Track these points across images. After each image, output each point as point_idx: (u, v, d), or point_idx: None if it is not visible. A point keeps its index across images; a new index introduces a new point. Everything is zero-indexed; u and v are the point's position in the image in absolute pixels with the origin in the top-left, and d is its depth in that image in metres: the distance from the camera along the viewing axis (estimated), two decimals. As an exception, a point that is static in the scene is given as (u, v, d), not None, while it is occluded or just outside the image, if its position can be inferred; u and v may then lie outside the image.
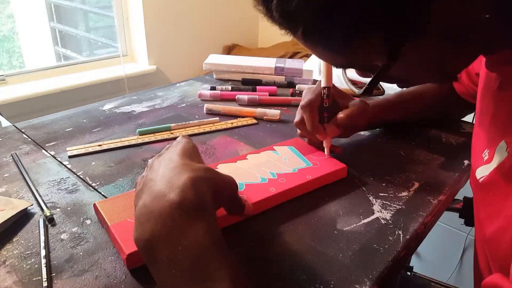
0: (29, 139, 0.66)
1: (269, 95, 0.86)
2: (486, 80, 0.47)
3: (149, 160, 0.40)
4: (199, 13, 2.31)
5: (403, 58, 0.35)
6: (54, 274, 0.39)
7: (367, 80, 0.42)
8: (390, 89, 0.68)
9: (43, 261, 0.40)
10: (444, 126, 0.75)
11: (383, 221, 0.48)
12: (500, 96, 0.43)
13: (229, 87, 0.89)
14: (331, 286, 0.39)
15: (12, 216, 0.45)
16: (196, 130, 0.70)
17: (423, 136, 0.71)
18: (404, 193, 0.54)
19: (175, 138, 0.67)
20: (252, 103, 0.82)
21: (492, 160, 0.40)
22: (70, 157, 0.61)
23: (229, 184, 0.39)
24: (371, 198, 0.53)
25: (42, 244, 0.42)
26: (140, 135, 0.68)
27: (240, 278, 0.31)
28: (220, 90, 0.87)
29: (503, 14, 0.33)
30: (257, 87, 0.90)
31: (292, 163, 0.56)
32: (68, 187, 0.53)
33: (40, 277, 0.39)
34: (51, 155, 0.61)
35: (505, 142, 0.39)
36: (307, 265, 0.41)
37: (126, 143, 0.65)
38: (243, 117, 0.76)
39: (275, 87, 0.90)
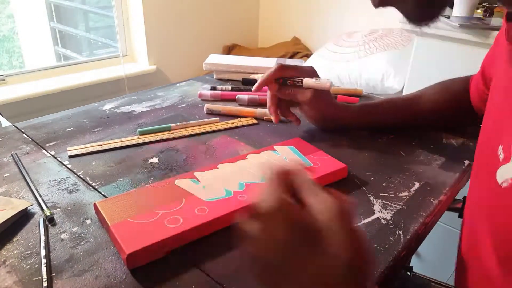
0: (29, 139, 0.66)
1: (269, 95, 0.86)
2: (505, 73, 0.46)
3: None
4: (199, 13, 2.31)
5: None
6: (54, 274, 0.39)
7: None
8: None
9: (43, 261, 0.40)
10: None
11: (383, 221, 0.48)
12: None
13: (229, 87, 0.89)
14: (332, 286, 0.39)
15: (12, 216, 0.45)
16: (196, 130, 0.70)
17: (423, 136, 0.71)
18: (405, 193, 0.54)
19: (175, 138, 0.67)
20: (252, 103, 0.82)
21: None
22: (70, 157, 0.61)
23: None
24: (371, 198, 0.53)
25: (42, 244, 0.42)
26: (140, 135, 0.68)
27: None
28: (220, 90, 0.87)
29: None
30: (257, 87, 0.90)
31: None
32: (68, 187, 0.53)
33: (40, 277, 0.39)
34: (51, 155, 0.61)
35: None
36: (307, 265, 0.41)
37: (126, 143, 0.65)
38: (243, 117, 0.76)
39: (275, 87, 0.90)
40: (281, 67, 0.64)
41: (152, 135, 0.68)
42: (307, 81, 0.63)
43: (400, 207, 0.51)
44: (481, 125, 0.51)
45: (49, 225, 0.46)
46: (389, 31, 1.84)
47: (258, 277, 0.31)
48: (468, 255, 0.49)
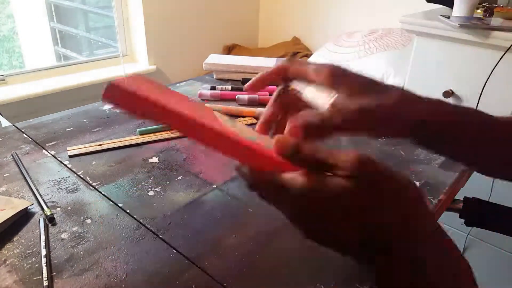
0: (29, 139, 0.66)
1: (269, 95, 0.86)
2: None
3: None
4: (199, 13, 2.31)
5: None
6: (54, 274, 0.39)
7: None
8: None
9: (44, 260, 0.40)
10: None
11: (383, 221, 0.48)
12: None
13: (229, 87, 0.89)
14: (332, 285, 0.39)
15: (12, 216, 0.46)
16: (196, 129, 0.70)
17: (423, 136, 0.71)
18: (404, 193, 0.54)
19: (175, 138, 0.67)
20: (252, 103, 0.82)
21: None
22: (70, 156, 0.61)
23: None
24: (371, 197, 0.53)
25: (43, 244, 0.42)
26: (140, 134, 0.68)
27: None
28: (220, 90, 0.87)
29: None
30: (257, 87, 0.90)
31: None
32: (68, 187, 0.53)
33: (40, 277, 0.39)
34: (51, 154, 0.61)
35: None
36: (307, 265, 0.41)
37: (126, 143, 0.65)
38: (243, 117, 0.76)
39: (275, 87, 0.90)
40: (289, 62, 0.43)
41: (152, 134, 0.68)
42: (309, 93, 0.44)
43: (400, 206, 0.51)
44: None
45: (50, 225, 0.46)
46: (389, 31, 1.84)
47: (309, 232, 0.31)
48: None
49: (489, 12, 1.35)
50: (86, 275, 0.39)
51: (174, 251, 0.43)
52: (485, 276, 1.45)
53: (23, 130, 0.69)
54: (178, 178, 0.56)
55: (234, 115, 0.77)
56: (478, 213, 0.68)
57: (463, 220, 0.79)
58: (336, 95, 0.40)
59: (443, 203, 0.53)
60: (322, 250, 0.43)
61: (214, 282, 0.39)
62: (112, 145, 0.64)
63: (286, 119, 0.43)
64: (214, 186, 0.55)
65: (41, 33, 2.54)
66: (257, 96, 0.83)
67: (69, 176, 0.56)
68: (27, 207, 0.48)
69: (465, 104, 1.33)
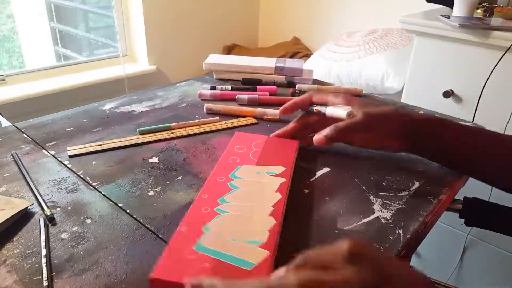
0: (29, 139, 0.66)
1: (269, 95, 0.86)
2: None
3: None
4: (199, 13, 2.31)
5: None
6: (54, 274, 0.39)
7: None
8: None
9: (44, 260, 0.40)
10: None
11: (383, 221, 0.48)
12: None
13: (229, 87, 0.89)
14: (332, 285, 0.39)
15: (12, 216, 0.46)
16: (196, 129, 0.70)
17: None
18: (405, 193, 0.54)
19: (175, 138, 0.67)
20: (252, 103, 0.82)
21: None
22: (70, 156, 0.61)
23: None
24: (371, 197, 0.53)
25: (43, 244, 0.42)
26: (140, 134, 0.68)
27: None
28: (220, 90, 0.87)
29: None
30: (257, 86, 0.90)
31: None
32: (68, 187, 0.53)
33: (40, 277, 0.39)
34: (51, 154, 0.61)
35: None
36: (307, 264, 0.41)
37: (126, 143, 0.65)
38: (243, 116, 0.76)
39: (275, 87, 0.90)
40: (313, 93, 0.61)
41: (152, 134, 0.68)
42: (329, 110, 0.60)
43: (400, 206, 0.51)
44: None
45: (49, 225, 0.46)
46: (389, 31, 1.84)
47: None
48: None
49: (489, 12, 1.35)
50: (86, 275, 0.39)
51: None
52: (485, 276, 1.45)
53: (23, 130, 0.69)
54: (178, 178, 0.56)
55: (234, 115, 0.77)
56: (478, 213, 0.68)
57: (463, 220, 0.79)
58: (351, 108, 0.57)
59: (443, 202, 0.53)
60: (322, 250, 0.43)
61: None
62: (112, 145, 0.64)
63: (305, 133, 0.63)
64: (214, 186, 0.55)
65: (41, 33, 2.54)
66: (257, 96, 0.83)
67: (69, 176, 0.56)
68: (27, 207, 0.48)
69: (465, 104, 1.33)
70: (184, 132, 0.69)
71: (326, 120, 0.59)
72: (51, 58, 2.59)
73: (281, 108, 0.63)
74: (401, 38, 1.78)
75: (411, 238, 0.46)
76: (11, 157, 0.60)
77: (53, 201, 0.50)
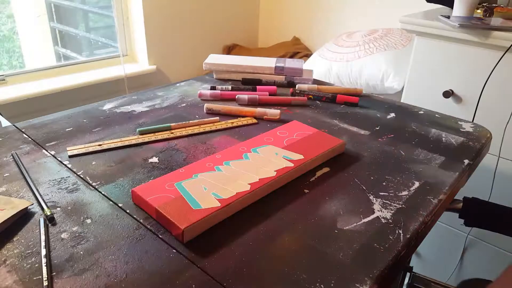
0: (29, 138, 0.66)
1: (269, 95, 0.86)
2: None
3: None
4: (199, 13, 2.31)
5: None
6: (54, 273, 0.39)
7: None
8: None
9: (44, 260, 0.40)
10: (444, 126, 0.75)
11: (383, 220, 0.48)
12: None
13: (229, 87, 0.89)
14: (332, 285, 0.39)
15: (12, 216, 0.46)
16: (196, 129, 0.70)
17: (423, 136, 0.71)
18: (404, 193, 0.54)
19: (175, 138, 0.67)
20: (252, 103, 0.82)
21: None
22: (70, 156, 0.61)
23: None
24: (371, 197, 0.53)
25: (43, 244, 0.42)
26: (140, 134, 0.68)
27: None
28: (220, 90, 0.87)
29: None
30: (257, 86, 0.90)
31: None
32: (68, 187, 0.53)
33: (40, 276, 0.39)
34: (51, 154, 0.61)
35: None
36: (307, 264, 0.41)
37: (126, 143, 0.65)
38: (243, 116, 0.76)
39: (275, 87, 0.90)
40: None
41: (152, 134, 0.68)
42: None
43: (400, 206, 0.51)
44: None
45: (49, 225, 0.46)
46: (389, 31, 1.84)
47: None
48: None
49: (489, 12, 1.35)
50: (86, 275, 0.39)
51: (174, 251, 0.43)
52: (485, 276, 1.45)
53: (23, 130, 0.69)
54: (178, 178, 0.56)
55: (234, 115, 0.77)
56: (478, 213, 0.68)
57: (463, 220, 0.79)
58: None
59: (442, 202, 0.53)
60: (322, 250, 0.43)
61: (214, 282, 0.39)
62: (112, 145, 0.64)
63: None
64: (214, 186, 0.55)
65: (41, 33, 2.53)
66: (257, 96, 0.83)
67: (69, 176, 0.56)
68: (27, 207, 0.48)
69: (465, 104, 1.33)
70: (184, 132, 0.69)
71: None
72: (51, 58, 2.59)
73: None
74: (401, 38, 1.78)
75: (411, 238, 0.46)
76: (11, 157, 0.60)
77: (53, 201, 0.50)
